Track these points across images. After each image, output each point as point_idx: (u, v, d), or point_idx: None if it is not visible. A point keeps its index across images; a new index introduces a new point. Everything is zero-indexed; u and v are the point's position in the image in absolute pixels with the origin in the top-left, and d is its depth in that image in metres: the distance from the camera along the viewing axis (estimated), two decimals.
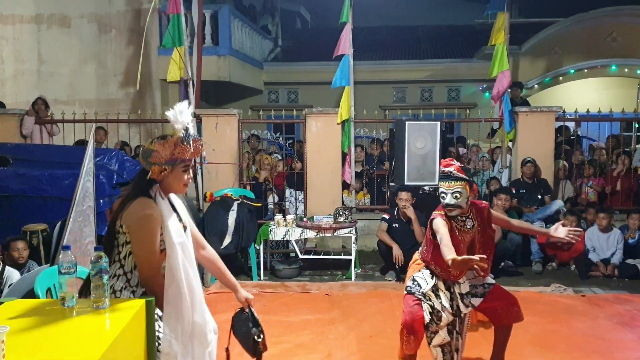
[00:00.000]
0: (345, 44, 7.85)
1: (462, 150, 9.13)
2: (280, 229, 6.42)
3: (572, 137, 9.33)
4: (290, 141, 10.39)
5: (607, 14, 12.88)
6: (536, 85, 13.39)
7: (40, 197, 6.06)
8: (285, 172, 8.19)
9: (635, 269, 6.55)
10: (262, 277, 6.44)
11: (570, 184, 8.09)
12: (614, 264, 6.62)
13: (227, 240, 6.11)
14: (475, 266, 3.06)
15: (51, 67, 10.19)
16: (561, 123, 8.50)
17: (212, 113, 7.81)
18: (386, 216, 6.61)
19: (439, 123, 6.97)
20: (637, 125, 10.32)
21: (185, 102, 2.58)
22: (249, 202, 6.44)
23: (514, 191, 7.49)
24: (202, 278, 5.93)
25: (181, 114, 2.49)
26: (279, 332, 4.76)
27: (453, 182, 3.44)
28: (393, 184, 7.16)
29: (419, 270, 3.63)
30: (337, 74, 7.81)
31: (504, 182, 7.98)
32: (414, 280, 3.59)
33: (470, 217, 3.54)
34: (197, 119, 7.71)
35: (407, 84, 14.74)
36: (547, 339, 4.67)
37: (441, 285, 3.53)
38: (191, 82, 7.72)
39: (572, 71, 13.25)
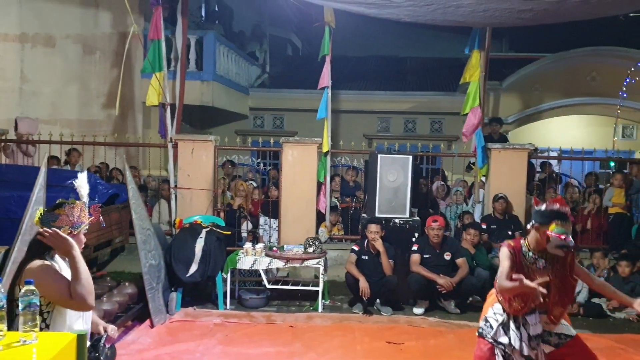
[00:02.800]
0: (326, 76, 7.96)
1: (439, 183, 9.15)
2: (248, 258, 6.42)
3: (554, 174, 9.44)
4: (271, 167, 10.46)
5: (587, 54, 13.15)
6: (517, 121, 13.57)
7: (8, 219, 6.02)
8: (261, 199, 8.21)
9: (600, 308, 6.59)
10: (228, 307, 6.40)
11: None
12: (579, 303, 6.65)
13: (194, 268, 6.09)
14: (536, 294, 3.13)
15: (34, 86, 10.20)
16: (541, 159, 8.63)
17: (188, 139, 7.85)
18: (355, 248, 6.63)
19: (411, 157, 7.06)
20: (612, 164, 10.44)
21: (85, 173, 2.95)
22: (218, 230, 6.44)
23: (485, 226, 7.53)
24: (166, 306, 5.93)
25: (83, 181, 2.88)
26: None
27: (568, 224, 3.32)
28: (365, 215, 7.21)
29: (492, 306, 3.55)
30: (321, 106, 7.95)
31: (477, 216, 8.04)
32: (486, 321, 3.52)
33: (544, 257, 3.41)
34: (174, 144, 7.76)
35: (392, 114, 14.88)
36: None
37: (512, 324, 3.43)
38: (169, 107, 7.79)
39: (552, 108, 13.45)
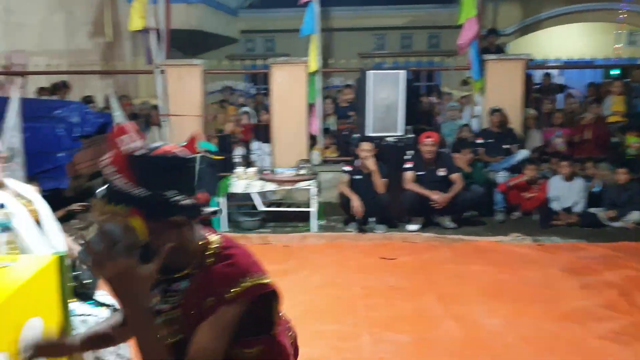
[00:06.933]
0: None
1: (432, 99, 9.04)
2: (241, 182, 6.42)
3: (552, 85, 9.22)
4: (262, 92, 10.26)
5: None
6: (516, 32, 13.14)
7: None
8: (252, 124, 8.12)
9: (596, 218, 6.59)
10: (225, 229, 6.47)
11: (540, 133, 8.06)
12: (576, 213, 6.66)
13: None
14: None
15: (19, 18, 9.89)
16: (543, 71, 8.36)
17: (175, 64, 7.66)
18: (347, 168, 6.59)
19: (403, 72, 6.88)
20: (613, 72, 10.20)
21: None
22: (210, 156, 6.40)
23: (481, 141, 7.46)
24: None
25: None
26: None
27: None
28: (357, 135, 7.13)
29: None
30: (305, 22, 7.67)
31: (475, 129, 7.92)
32: None
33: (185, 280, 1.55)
34: (161, 70, 7.59)
35: (387, 30, 14.44)
36: (495, 289, 4.72)
37: None
38: (156, 31, 7.55)
39: (552, 17, 12.96)
